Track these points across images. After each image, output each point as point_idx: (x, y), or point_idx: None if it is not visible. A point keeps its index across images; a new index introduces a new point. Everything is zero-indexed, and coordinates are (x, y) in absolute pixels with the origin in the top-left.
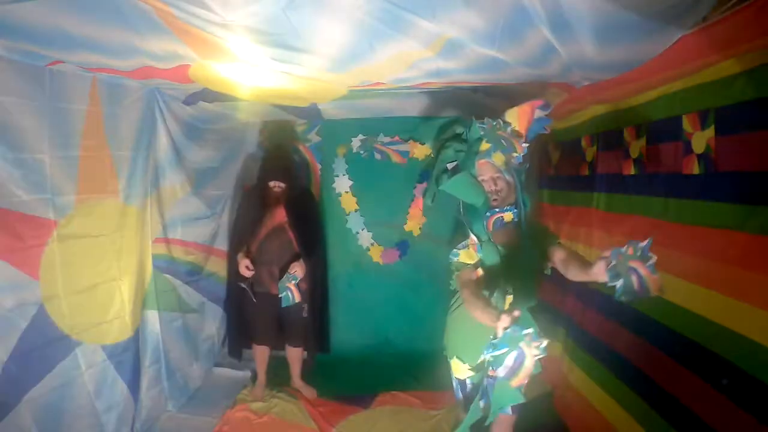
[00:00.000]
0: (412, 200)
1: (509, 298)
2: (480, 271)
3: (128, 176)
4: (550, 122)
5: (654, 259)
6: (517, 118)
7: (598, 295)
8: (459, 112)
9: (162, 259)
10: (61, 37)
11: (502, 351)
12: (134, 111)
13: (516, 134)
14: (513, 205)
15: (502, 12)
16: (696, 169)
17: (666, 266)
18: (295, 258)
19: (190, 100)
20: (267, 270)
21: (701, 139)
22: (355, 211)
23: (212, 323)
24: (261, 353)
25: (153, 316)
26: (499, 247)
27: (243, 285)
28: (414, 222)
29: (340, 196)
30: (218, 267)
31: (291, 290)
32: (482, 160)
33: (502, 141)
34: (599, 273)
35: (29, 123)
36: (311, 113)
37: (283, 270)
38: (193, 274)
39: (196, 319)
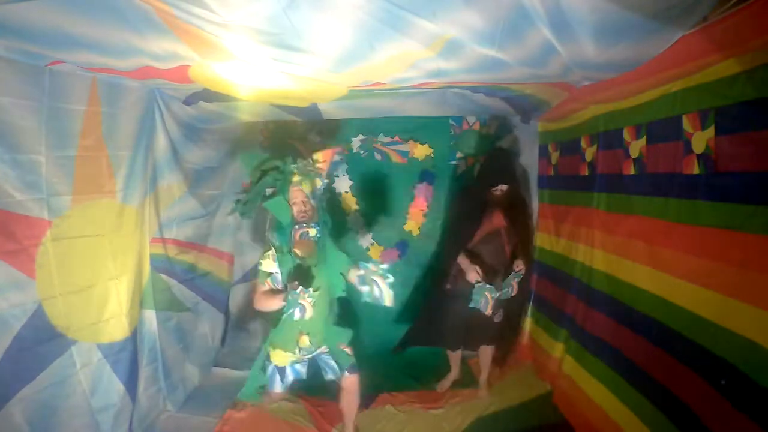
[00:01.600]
0: (412, 200)
1: (314, 293)
2: (269, 282)
3: (126, 176)
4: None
5: (391, 279)
6: (322, 157)
7: (600, 295)
8: (459, 112)
9: (159, 259)
10: (61, 37)
11: (290, 312)
12: (134, 111)
13: (320, 170)
14: (317, 223)
15: (502, 12)
16: (696, 169)
17: (666, 266)
18: (506, 263)
19: (190, 100)
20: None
21: (701, 139)
22: (355, 211)
23: (206, 322)
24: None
25: (150, 316)
26: (297, 258)
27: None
28: (414, 222)
29: (340, 196)
30: (212, 266)
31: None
32: (295, 188)
33: (310, 173)
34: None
35: (27, 123)
36: (311, 113)
37: (491, 275)
38: (187, 273)
39: (190, 319)
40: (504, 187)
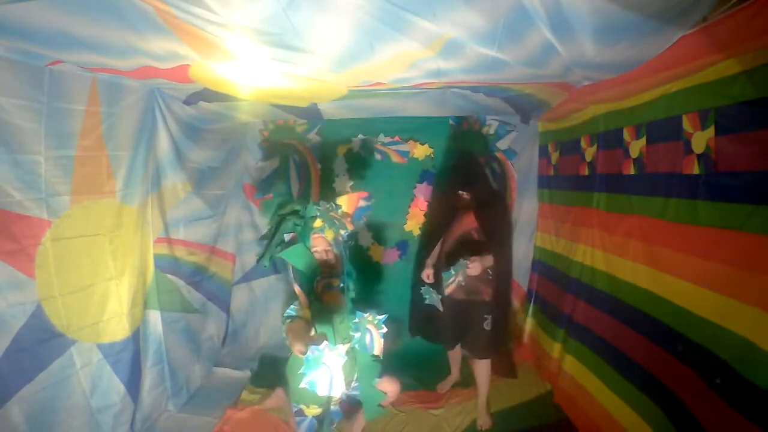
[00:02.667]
0: (412, 200)
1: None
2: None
3: (126, 176)
4: (370, 211)
5: (385, 330)
6: (347, 203)
7: (601, 295)
8: (459, 112)
9: (164, 260)
10: (61, 37)
11: (309, 376)
12: (134, 111)
13: (345, 216)
14: (339, 274)
15: (502, 12)
16: (696, 169)
17: (665, 266)
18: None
19: (190, 100)
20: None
21: (701, 139)
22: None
23: (213, 323)
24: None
25: (155, 317)
26: (324, 306)
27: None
28: (414, 222)
29: (341, 195)
30: (221, 268)
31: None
32: (316, 235)
33: (334, 220)
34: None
35: (27, 123)
36: (311, 113)
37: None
38: (196, 275)
39: (198, 320)
40: (468, 192)
